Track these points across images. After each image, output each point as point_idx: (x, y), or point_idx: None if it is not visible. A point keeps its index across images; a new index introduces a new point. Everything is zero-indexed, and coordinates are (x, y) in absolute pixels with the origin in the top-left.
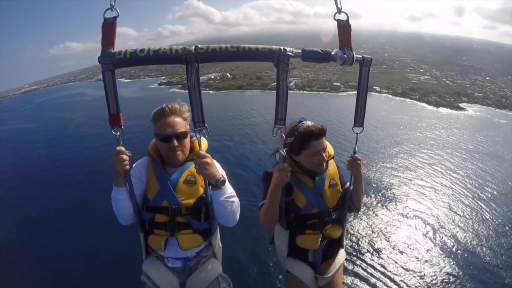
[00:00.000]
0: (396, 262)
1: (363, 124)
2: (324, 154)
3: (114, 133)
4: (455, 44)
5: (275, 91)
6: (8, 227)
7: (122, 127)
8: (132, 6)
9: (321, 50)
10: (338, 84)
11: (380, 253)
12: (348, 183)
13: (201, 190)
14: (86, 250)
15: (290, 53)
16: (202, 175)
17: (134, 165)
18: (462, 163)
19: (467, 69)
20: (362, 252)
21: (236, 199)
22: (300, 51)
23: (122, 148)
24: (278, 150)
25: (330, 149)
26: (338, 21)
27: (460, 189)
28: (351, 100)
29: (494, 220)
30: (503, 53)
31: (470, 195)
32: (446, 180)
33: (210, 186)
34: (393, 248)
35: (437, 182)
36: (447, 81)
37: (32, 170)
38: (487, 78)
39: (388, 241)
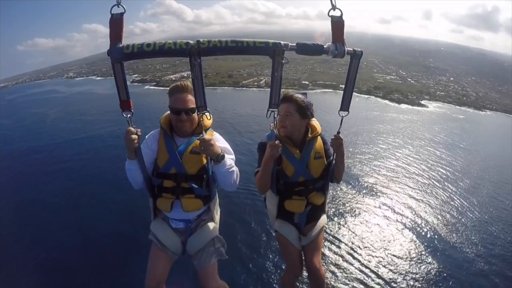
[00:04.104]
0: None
1: (348, 109)
2: (285, 120)
3: (124, 115)
4: (423, 46)
5: (270, 80)
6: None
7: (132, 110)
8: (102, 2)
9: (314, 43)
10: (307, 82)
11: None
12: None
13: (204, 161)
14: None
15: (285, 47)
16: (205, 154)
17: (146, 137)
18: (418, 149)
19: (433, 70)
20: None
21: (235, 169)
22: (294, 44)
23: (132, 129)
24: (272, 130)
25: (317, 126)
26: (332, 17)
27: (415, 171)
28: (319, 97)
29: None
30: (468, 55)
31: (426, 178)
32: (404, 164)
33: (212, 161)
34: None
35: (396, 166)
36: (412, 81)
37: (16, 161)
38: (452, 78)
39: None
